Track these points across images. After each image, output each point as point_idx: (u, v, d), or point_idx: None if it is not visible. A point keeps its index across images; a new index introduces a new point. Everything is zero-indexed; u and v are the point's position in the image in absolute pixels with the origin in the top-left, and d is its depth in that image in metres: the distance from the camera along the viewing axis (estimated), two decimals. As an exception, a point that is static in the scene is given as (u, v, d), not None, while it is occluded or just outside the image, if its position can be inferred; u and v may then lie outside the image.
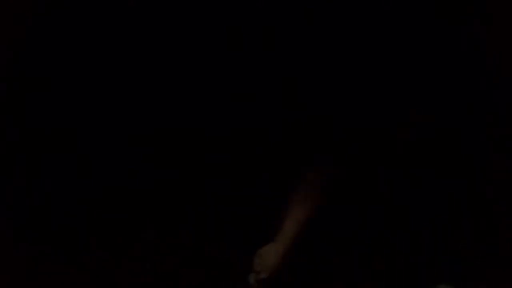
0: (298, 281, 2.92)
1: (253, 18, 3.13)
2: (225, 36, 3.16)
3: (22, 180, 3.12)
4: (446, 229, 2.95)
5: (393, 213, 2.95)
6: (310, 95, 3.12)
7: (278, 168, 3.11)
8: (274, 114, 3.16)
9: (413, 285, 2.89)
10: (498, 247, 2.90)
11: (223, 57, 3.17)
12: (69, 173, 3.15)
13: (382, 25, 3.05)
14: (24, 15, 3.06)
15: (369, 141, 2.96)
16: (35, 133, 3.15)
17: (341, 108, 3.05)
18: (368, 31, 3.06)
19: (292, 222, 2.81)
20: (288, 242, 2.79)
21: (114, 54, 3.17)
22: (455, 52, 3.02)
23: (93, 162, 3.18)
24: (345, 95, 3.07)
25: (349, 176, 2.92)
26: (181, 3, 3.13)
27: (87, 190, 3.13)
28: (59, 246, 2.99)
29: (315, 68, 3.12)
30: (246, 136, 3.15)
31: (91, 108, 3.19)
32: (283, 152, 3.13)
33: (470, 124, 3.01)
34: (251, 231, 2.99)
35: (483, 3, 2.95)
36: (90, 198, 3.12)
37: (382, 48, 3.05)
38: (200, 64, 3.18)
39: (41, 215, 3.07)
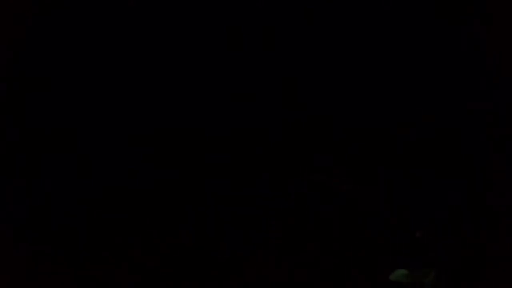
0: (298, 281, 2.92)
1: (253, 18, 3.13)
2: (225, 36, 3.16)
3: (22, 180, 3.12)
4: (446, 229, 2.95)
5: (393, 213, 2.96)
6: (310, 96, 3.13)
7: (278, 168, 3.12)
8: (274, 114, 3.16)
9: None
10: (498, 247, 2.90)
11: (223, 57, 3.17)
12: (69, 173, 3.16)
13: (382, 25, 3.05)
14: (24, 15, 3.07)
15: (369, 141, 2.97)
16: (35, 133, 3.15)
17: (341, 108, 3.05)
18: (368, 31, 3.06)
19: None
20: None
21: (114, 54, 3.18)
22: (455, 52, 3.03)
23: (93, 163, 3.18)
24: (345, 95, 3.07)
25: (349, 176, 2.93)
26: (181, 3, 3.14)
27: (87, 190, 3.13)
28: (59, 246, 2.99)
29: (315, 68, 3.13)
30: (246, 136, 3.16)
31: (91, 108, 3.19)
32: (283, 152, 3.13)
33: (470, 124, 3.01)
34: (251, 231, 2.99)
35: (483, 3, 2.96)
36: (90, 199, 3.12)
37: (382, 48, 3.06)
38: (200, 64, 3.19)
39: (41, 215, 3.07)
